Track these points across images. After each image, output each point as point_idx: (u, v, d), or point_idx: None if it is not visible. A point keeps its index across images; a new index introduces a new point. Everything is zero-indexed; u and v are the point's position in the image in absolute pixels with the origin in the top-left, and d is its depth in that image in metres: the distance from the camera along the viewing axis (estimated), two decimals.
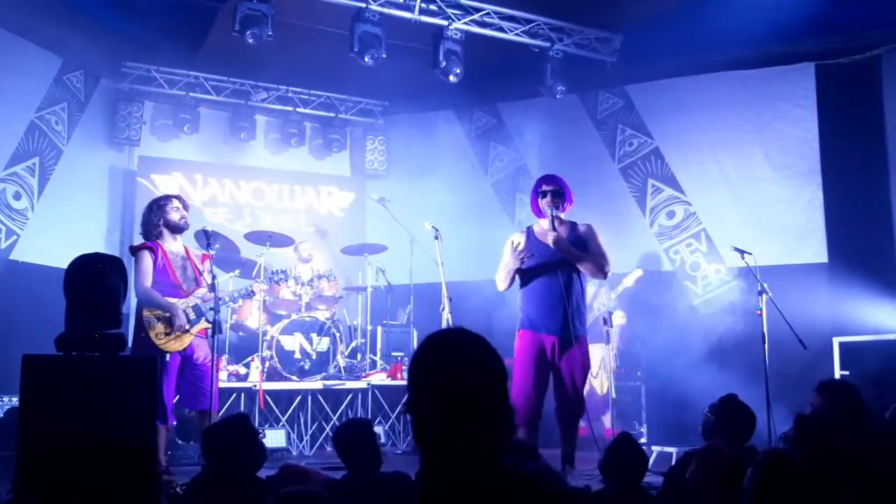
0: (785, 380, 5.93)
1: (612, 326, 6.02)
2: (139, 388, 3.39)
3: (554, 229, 5.08)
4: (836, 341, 6.42)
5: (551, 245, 5.07)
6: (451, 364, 1.68)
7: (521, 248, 5.11)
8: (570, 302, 5.13)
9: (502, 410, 1.69)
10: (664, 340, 7.11)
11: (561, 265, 5.11)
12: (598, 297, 7.21)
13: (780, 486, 2.48)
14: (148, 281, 5.21)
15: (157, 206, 5.44)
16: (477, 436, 1.63)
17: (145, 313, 5.23)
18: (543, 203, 5.19)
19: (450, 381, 1.66)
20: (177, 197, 5.56)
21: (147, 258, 5.27)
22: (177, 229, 5.43)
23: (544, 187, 5.22)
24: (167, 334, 5.21)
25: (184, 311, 5.28)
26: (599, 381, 7.10)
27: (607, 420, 6.75)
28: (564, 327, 5.07)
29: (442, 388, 1.66)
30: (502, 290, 5.30)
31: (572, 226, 5.26)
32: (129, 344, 4.55)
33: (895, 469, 3.03)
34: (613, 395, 6.85)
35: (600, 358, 7.09)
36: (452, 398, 1.64)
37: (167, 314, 5.21)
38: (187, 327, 5.26)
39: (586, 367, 5.25)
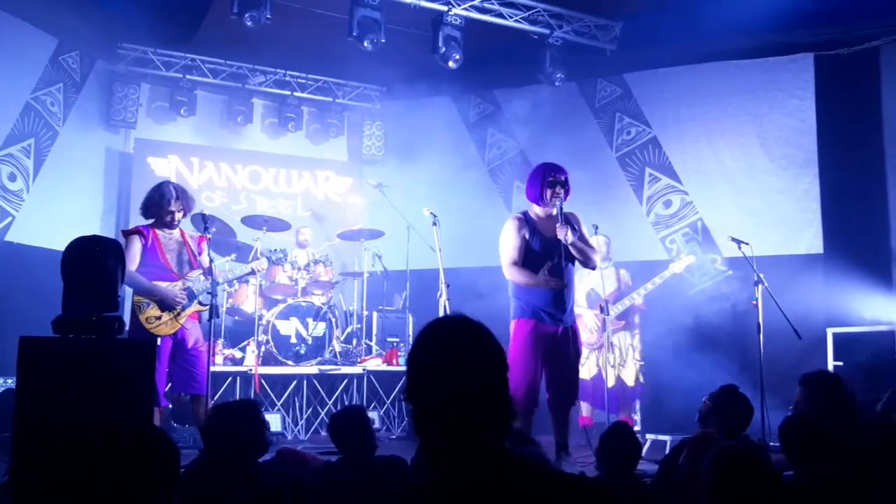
0: (779, 370, 5.96)
1: (608, 315, 6.01)
2: (137, 370, 3.40)
3: (563, 223, 5.05)
4: (829, 332, 6.47)
5: (565, 241, 5.03)
6: (452, 352, 1.67)
7: (550, 279, 5.03)
8: (572, 291, 5.19)
9: (503, 398, 1.68)
10: (659, 329, 7.13)
11: (565, 256, 5.12)
12: (622, 280, 7.13)
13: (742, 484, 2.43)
14: (133, 265, 5.15)
15: (173, 198, 5.33)
16: (478, 424, 1.63)
17: (135, 297, 5.24)
18: (550, 193, 5.09)
19: (450, 370, 1.65)
20: (192, 200, 5.50)
21: (136, 242, 5.25)
22: (167, 226, 5.38)
23: (555, 177, 5.10)
24: (157, 318, 5.21)
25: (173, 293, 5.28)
26: (628, 370, 6.91)
27: (585, 409, 6.67)
28: (569, 316, 5.15)
29: (442, 377, 1.65)
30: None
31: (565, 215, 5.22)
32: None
33: (890, 461, 3.06)
34: (636, 383, 6.85)
35: (628, 346, 7.00)
36: (452, 387, 1.63)
37: (157, 297, 5.22)
38: (178, 309, 5.27)
39: (580, 354, 5.33)
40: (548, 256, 5.08)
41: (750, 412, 3.67)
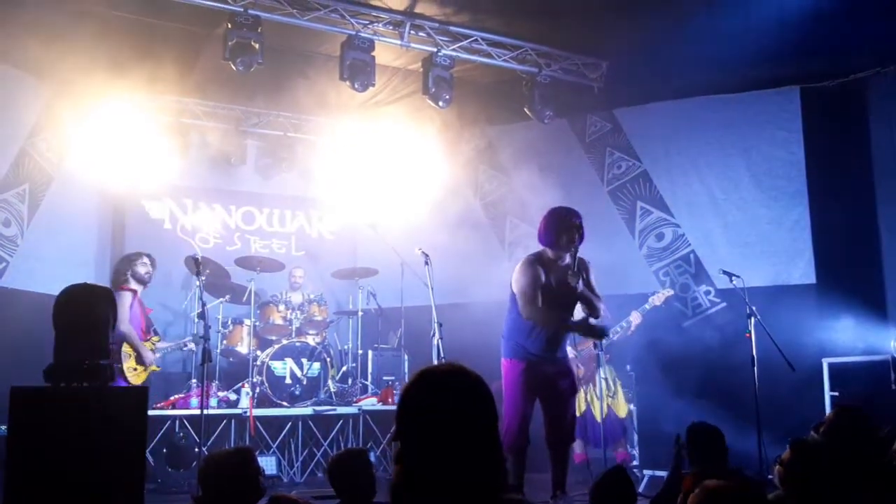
0: (775, 401, 5.94)
1: (602, 350, 6.02)
2: (129, 418, 3.38)
3: (576, 269, 5.01)
4: (825, 362, 6.46)
5: (576, 288, 5.00)
6: (447, 406, 1.64)
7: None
8: (567, 334, 5.21)
9: (497, 452, 1.65)
10: (654, 363, 7.11)
11: (571, 301, 5.12)
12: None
13: None
14: (124, 323, 5.96)
15: (128, 260, 6.39)
16: (476, 482, 1.60)
17: (124, 346, 6.01)
18: (567, 239, 5.01)
19: (451, 429, 1.62)
20: (148, 255, 6.43)
21: (128, 299, 6.14)
22: (142, 282, 6.32)
23: (572, 221, 5.05)
24: (134, 370, 6.09)
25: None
26: (619, 402, 6.91)
27: (578, 445, 6.60)
28: (565, 358, 5.19)
29: (437, 429, 1.62)
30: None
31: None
32: None
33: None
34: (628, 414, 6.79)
35: (615, 378, 6.98)
36: (452, 445, 1.60)
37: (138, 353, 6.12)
38: (147, 365, 6.17)
39: (576, 391, 5.32)
40: (557, 301, 5.06)
41: (720, 437, 3.68)
